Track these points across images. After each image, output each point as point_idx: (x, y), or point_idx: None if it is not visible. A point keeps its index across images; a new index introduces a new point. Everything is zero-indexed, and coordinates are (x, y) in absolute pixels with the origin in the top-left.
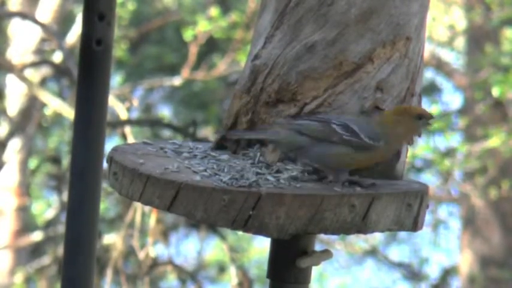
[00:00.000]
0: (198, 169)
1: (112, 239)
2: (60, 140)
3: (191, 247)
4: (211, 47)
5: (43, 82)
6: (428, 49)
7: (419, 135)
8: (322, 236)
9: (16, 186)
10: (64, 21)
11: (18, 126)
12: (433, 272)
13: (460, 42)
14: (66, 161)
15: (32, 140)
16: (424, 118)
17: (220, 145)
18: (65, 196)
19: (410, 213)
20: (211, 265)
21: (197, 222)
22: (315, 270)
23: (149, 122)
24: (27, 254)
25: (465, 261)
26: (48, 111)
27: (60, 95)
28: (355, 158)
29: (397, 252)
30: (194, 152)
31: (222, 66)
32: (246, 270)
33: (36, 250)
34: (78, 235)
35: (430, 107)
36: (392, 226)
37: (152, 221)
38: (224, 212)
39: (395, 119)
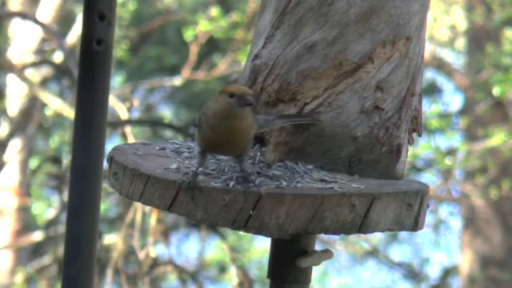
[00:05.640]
0: (198, 169)
1: (112, 239)
2: (60, 140)
3: (192, 247)
4: (212, 47)
5: (44, 82)
6: (429, 49)
7: (237, 111)
8: (322, 236)
9: (17, 186)
10: (64, 21)
11: (19, 126)
12: (433, 271)
13: (461, 42)
14: (66, 161)
15: (33, 140)
16: (236, 96)
17: None
18: (66, 196)
19: (410, 213)
20: (212, 265)
21: (197, 222)
22: (317, 270)
23: (150, 122)
24: (28, 254)
25: (465, 261)
26: (48, 112)
27: (61, 95)
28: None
29: (398, 252)
30: (194, 152)
31: (222, 66)
32: (247, 270)
33: (36, 250)
34: (79, 235)
35: (430, 107)
36: (393, 226)
37: (153, 221)
38: (224, 211)
39: (215, 98)
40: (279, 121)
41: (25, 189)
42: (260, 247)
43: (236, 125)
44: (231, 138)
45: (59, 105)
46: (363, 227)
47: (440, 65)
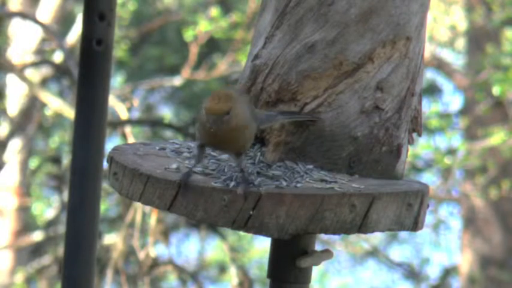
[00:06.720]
0: (198, 169)
1: (112, 239)
2: (60, 140)
3: (192, 247)
4: (212, 47)
5: (44, 82)
6: (429, 49)
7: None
8: (322, 236)
9: (17, 186)
10: (64, 21)
11: (19, 126)
12: (433, 272)
13: (461, 42)
14: (66, 161)
15: (33, 140)
16: (207, 115)
17: None
18: (66, 196)
19: (410, 213)
20: (212, 265)
21: (197, 222)
22: (317, 270)
23: (150, 122)
24: (28, 254)
25: (465, 261)
26: (48, 112)
27: (61, 95)
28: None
29: (398, 252)
30: (194, 152)
31: (222, 66)
32: (247, 270)
33: (36, 250)
34: (79, 235)
35: (430, 107)
36: (393, 226)
37: (152, 221)
38: (224, 212)
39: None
40: (281, 117)
41: (25, 189)
42: (260, 247)
43: (224, 133)
44: (224, 141)
45: (59, 105)
46: (362, 227)
47: (440, 65)
